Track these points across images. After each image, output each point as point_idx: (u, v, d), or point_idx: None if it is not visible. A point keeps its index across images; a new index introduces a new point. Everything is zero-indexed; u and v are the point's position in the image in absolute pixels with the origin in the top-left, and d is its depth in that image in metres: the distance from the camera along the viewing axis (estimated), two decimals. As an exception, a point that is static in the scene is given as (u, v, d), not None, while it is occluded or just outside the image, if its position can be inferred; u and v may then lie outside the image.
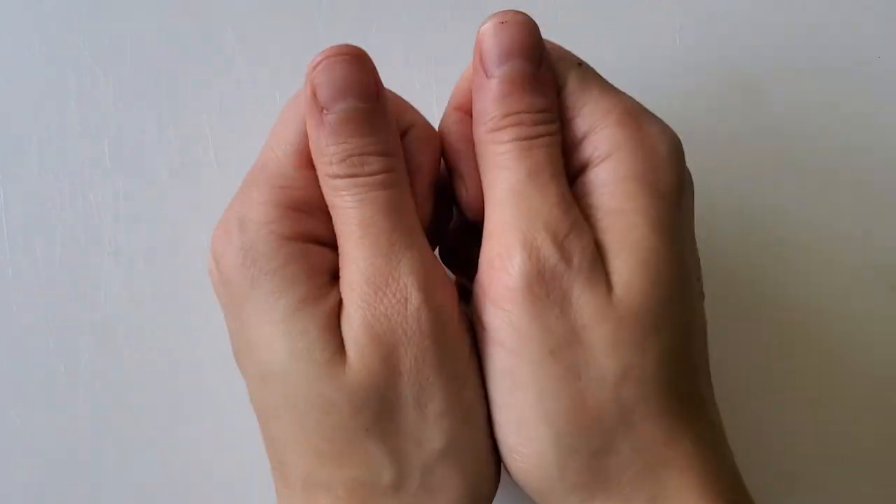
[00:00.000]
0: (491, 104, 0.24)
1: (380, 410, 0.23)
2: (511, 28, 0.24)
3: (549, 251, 0.23)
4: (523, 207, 0.24)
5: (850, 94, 0.34)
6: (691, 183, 0.27)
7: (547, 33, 0.24)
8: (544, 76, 0.24)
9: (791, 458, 0.33)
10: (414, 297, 0.23)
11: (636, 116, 0.25)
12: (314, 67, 0.24)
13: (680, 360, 0.24)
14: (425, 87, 0.33)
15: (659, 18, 0.33)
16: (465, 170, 0.26)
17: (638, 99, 0.25)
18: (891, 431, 0.34)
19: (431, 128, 0.26)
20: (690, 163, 0.26)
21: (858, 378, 0.34)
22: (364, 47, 0.24)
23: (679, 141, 0.25)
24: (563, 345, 0.23)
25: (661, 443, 0.23)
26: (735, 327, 0.34)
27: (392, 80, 0.32)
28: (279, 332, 0.24)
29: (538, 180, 0.24)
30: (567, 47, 0.25)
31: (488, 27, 0.24)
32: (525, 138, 0.24)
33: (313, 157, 0.24)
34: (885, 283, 0.34)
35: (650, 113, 0.25)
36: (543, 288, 0.23)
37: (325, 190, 0.25)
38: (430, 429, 0.24)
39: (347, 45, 0.24)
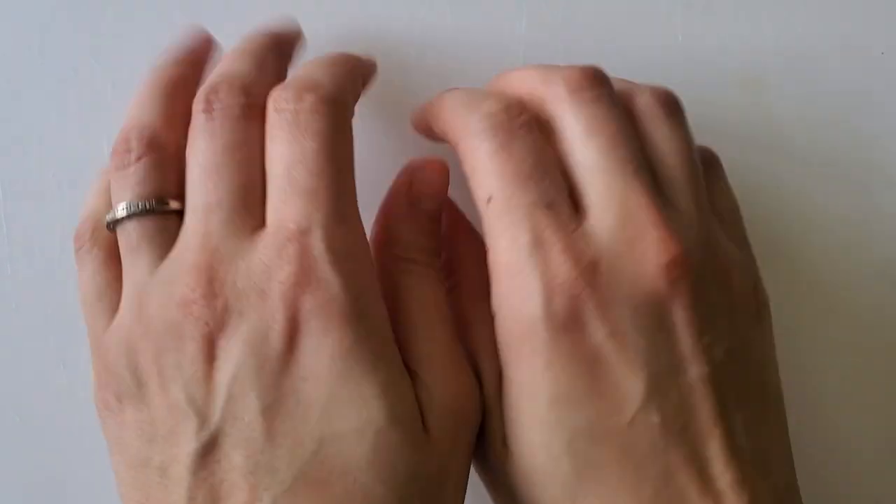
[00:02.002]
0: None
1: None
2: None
3: None
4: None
5: (852, 91, 0.34)
6: None
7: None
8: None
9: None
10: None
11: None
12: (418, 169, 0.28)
13: None
14: (426, 87, 0.33)
15: (659, 17, 0.33)
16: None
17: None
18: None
19: None
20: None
21: (860, 378, 0.34)
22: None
23: None
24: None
25: None
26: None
27: (392, 79, 0.32)
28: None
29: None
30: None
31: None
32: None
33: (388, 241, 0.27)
34: (888, 281, 0.34)
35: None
36: None
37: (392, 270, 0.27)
38: None
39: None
